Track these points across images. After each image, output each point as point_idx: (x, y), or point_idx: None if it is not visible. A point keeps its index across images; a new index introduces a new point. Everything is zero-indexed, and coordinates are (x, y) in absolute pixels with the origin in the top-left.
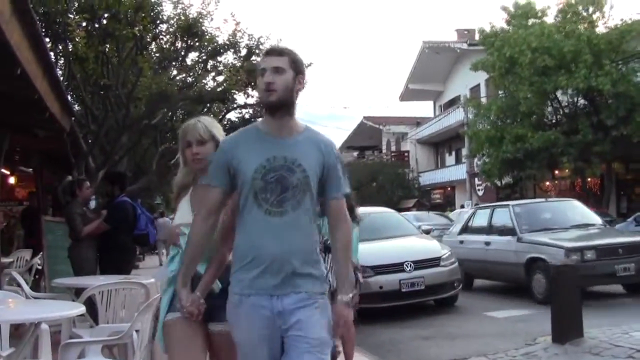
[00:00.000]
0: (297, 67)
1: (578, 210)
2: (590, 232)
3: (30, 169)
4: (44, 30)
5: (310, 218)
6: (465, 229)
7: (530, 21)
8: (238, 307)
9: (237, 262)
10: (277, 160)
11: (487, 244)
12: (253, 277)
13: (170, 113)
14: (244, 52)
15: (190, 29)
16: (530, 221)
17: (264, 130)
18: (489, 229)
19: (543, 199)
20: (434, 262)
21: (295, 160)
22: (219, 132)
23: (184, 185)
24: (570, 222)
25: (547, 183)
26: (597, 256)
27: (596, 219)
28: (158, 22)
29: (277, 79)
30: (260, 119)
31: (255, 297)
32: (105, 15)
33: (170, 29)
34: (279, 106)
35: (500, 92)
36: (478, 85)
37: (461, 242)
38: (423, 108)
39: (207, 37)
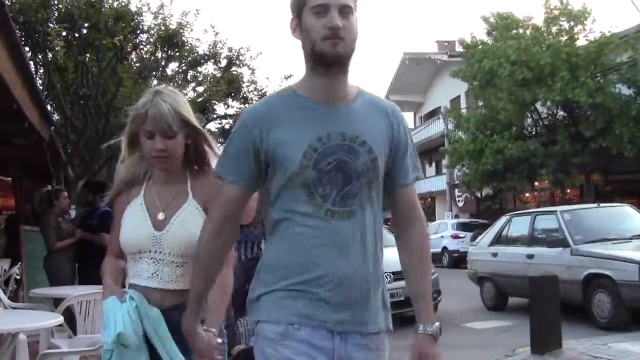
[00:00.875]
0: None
1: (633, 217)
2: None
3: (9, 178)
4: (23, 39)
5: (380, 219)
6: (499, 240)
7: (513, 32)
8: (280, 342)
9: (273, 278)
10: (333, 139)
11: (530, 256)
12: (305, 305)
13: None
14: (224, 62)
15: (171, 39)
16: (583, 230)
17: (306, 96)
18: (531, 240)
19: (595, 204)
20: None
21: (357, 137)
22: (190, 114)
23: (133, 181)
24: (628, 231)
25: (527, 194)
26: None
27: None
28: (138, 32)
29: (346, 24)
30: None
31: (308, 330)
32: (85, 24)
33: (151, 39)
34: (344, 61)
35: (480, 102)
36: (458, 97)
37: (494, 254)
38: None
39: (187, 47)
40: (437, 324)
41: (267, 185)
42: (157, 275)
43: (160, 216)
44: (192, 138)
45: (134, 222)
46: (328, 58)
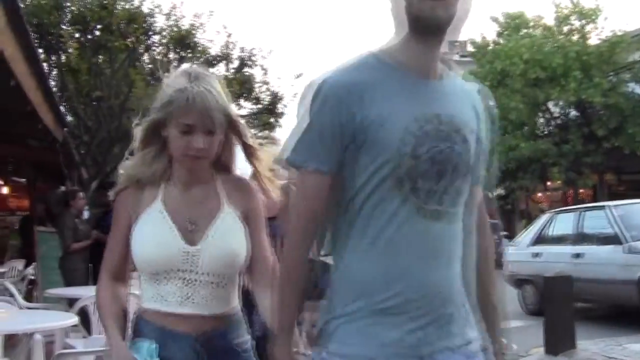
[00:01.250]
0: None
1: None
2: None
3: (24, 180)
4: (37, 41)
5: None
6: (540, 238)
7: (523, 31)
8: None
9: (348, 298)
10: (428, 121)
11: (577, 256)
12: (388, 331)
13: None
14: (236, 63)
15: (183, 41)
16: (637, 226)
17: (393, 63)
18: (577, 238)
19: None
20: None
21: (452, 122)
22: (234, 109)
23: (146, 181)
24: None
25: (539, 194)
26: None
27: None
28: (151, 33)
29: None
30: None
31: None
32: (98, 26)
33: (163, 41)
34: (444, 27)
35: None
36: None
37: (535, 254)
38: None
39: (200, 48)
40: (504, 339)
41: (342, 174)
42: (190, 299)
43: (190, 227)
44: (225, 133)
45: (158, 236)
46: (426, 22)
